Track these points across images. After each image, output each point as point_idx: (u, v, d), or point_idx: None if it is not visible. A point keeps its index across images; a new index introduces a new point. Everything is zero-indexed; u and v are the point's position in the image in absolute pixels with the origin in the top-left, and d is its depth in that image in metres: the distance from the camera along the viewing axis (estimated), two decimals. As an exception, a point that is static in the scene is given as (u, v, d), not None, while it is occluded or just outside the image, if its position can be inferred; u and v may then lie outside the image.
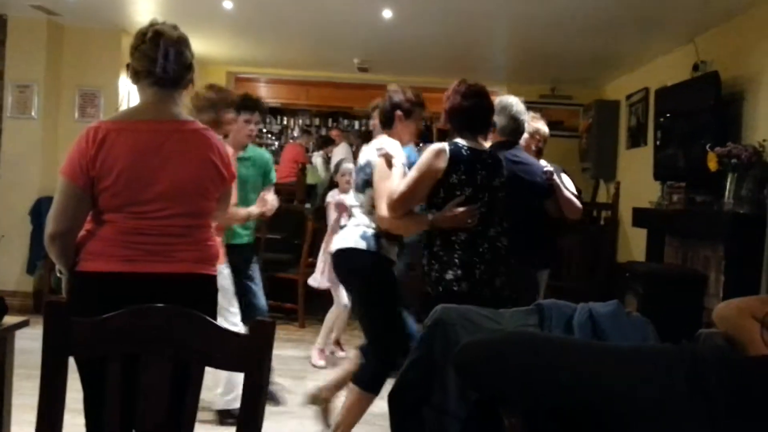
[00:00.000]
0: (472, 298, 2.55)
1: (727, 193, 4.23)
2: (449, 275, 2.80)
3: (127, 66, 2.30)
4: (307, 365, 4.96)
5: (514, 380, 0.94)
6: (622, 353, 0.92)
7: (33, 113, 6.19)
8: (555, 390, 0.92)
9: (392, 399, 1.82)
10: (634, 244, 6.36)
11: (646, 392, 0.85)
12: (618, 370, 0.89)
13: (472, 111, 2.95)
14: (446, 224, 2.81)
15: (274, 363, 4.66)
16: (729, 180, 4.21)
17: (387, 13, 5.28)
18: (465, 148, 2.90)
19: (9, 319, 2.25)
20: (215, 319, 2.41)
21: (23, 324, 2.22)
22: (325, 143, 10.02)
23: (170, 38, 2.23)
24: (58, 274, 2.25)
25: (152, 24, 2.27)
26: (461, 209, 2.79)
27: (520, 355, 0.96)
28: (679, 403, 0.84)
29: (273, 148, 12.44)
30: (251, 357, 1.37)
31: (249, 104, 3.88)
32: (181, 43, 2.26)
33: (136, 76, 2.27)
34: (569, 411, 0.91)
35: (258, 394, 1.37)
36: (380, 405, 2.91)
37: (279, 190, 10.79)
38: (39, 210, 5.97)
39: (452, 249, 2.83)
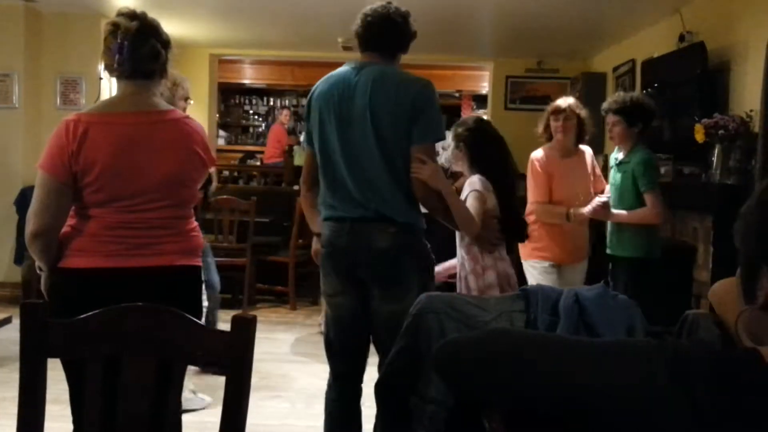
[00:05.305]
0: None
1: (714, 164, 4.21)
2: None
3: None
4: (299, 347, 4.95)
5: (492, 382, 0.93)
6: (601, 349, 0.90)
7: (14, 102, 6.10)
8: (533, 390, 0.91)
9: (378, 388, 1.81)
10: (623, 217, 6.34)
11: (626, 390, 0.84)
12: (597, 368, 0.87)
13: None
14: None
15: (267, 347, 4.72)
16: (716, 151, 4.19)
17: (369, -10, 5.19)
18: None
19: (-9, 317, 2.22)
20: (200, 309, 2.39)
21: (5, 321, 2.19)
22: None
23: (126, 30, 2.13)
24: (38, 271, 2.20)
25: (117, 14, 2.19)
26: None
27: (497, 356, 0.94)
28: (661, 401, 0.82)
29: (260, 129, 12.33)
30: (233, 354, 1.35)
31: None
32: (140, 34, 2.15)
33: (107, 70, 2.22)
34: (549, 411, 0.90)
35: (241, 391, 1.35)
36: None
37: (266, 172, 10.69)
38: (24, 200, 5.90)
39: None
